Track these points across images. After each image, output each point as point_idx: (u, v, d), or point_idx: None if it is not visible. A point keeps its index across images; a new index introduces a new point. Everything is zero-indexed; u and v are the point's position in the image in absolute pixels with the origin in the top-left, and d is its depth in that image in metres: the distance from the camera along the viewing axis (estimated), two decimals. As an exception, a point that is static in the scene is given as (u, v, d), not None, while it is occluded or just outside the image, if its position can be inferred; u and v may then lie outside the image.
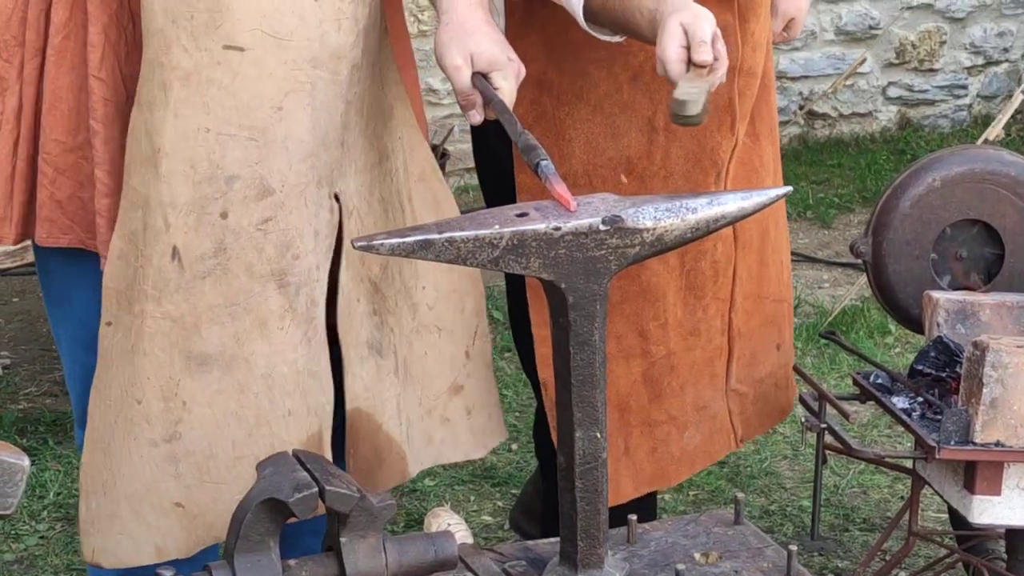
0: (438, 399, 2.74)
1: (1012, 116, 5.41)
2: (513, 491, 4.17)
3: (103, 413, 2.48)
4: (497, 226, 2.13)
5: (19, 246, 4.24)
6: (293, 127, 2.42)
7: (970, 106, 7.72)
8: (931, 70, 7.62)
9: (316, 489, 2.11)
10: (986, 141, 5.12)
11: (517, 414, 4.64)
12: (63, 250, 2.52)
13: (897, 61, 7.55)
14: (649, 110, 2.93)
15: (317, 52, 2.42)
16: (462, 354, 2.75)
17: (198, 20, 2.35)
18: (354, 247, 2.11)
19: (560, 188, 2.19)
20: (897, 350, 5.13)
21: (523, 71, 2.45)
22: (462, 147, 6.37)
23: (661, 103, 2.90)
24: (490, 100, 2.38)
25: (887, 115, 7.61)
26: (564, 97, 2.91)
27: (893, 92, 7.59)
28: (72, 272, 2.53)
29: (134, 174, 2.41)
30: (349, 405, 2.59)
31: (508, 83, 2.41)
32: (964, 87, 7.68)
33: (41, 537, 3.89)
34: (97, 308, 2.53)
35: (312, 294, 2.49)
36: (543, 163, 2.23)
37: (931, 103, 7.66)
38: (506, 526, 3.98)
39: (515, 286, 3.18)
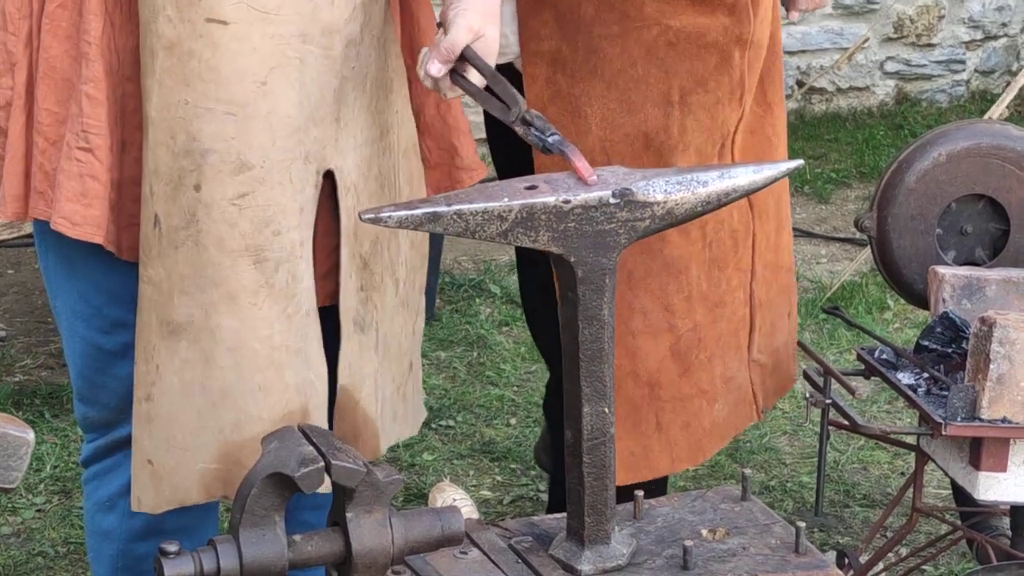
0: (404, 376, 2.73)
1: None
2: (512, 465, 4.16)
3: None
4: (506, 199, 2.11)
5: (15, 217, 4.22)
6: (278, 102, 2.38)
7: (968, 81, 7.70)
8: (929, 45, 7.59)
9: (322, 464, 2.10)
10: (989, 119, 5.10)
11: (515, 388, 4.62)
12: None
13: (895, 35, 7.52)
14: (664, 84, 2.90)
15: (307, 27, 2.38)
16: (412, 331, 2.75)
17: None
18: (361, 219, 2.09)
19: (580, 163, 2.17)
20: (896, 326, 5.12)
21: None
22: (472, 120, 6.34)
23: (676, 76, 2.89)
24: (485, 71, 2.35)
25: (884, 90, 7.59)
26: (578, 74, 2.89)
27: (891, 67, 7.57)
28: (72, 244, 2.48)
29: (142, 138, 2.41)
30: (339, 382, 2.58)
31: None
32: (962, 62, 7.65)
33: (38, 510, 3.88)
34: (96, 281, 2.51)
35: (294, 270, 2.46)
36: (553, 138, 2.22)
37: (929, 78, 7.63)
38: (506, 500, 3.97)
39: (527, 263, 3.17)
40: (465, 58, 2.35)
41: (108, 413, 2.60)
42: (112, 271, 2.50)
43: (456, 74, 2.36)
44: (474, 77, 2.36)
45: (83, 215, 2.41)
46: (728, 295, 3.05)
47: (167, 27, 2.34)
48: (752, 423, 3.22)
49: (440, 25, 2.43)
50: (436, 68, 2.35)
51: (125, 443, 2.59)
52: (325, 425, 2.55)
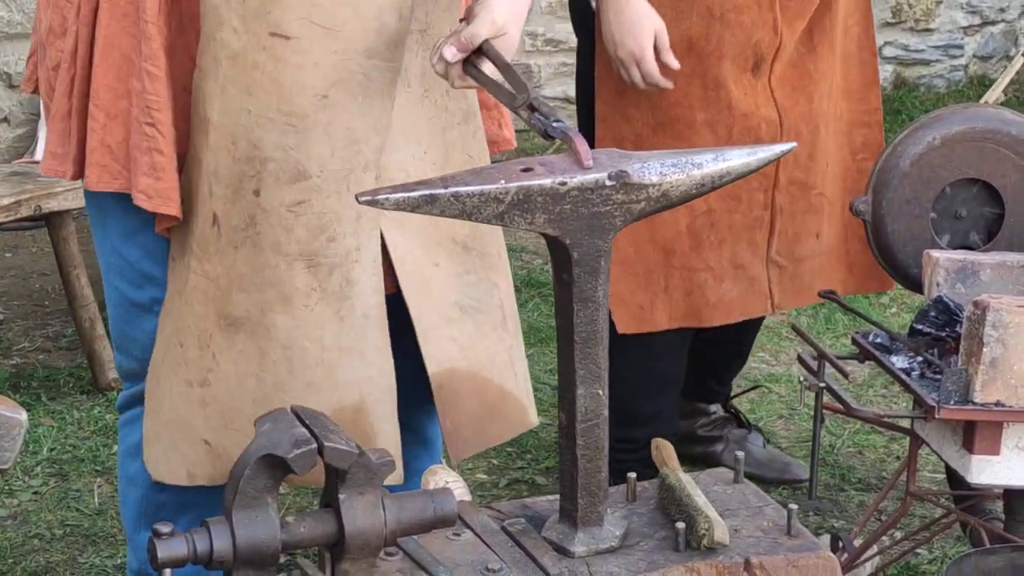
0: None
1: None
2: (508, 449, 4.16)
3: (160, 344, 2.61)
4: (503, 181, 2.11)
5: (11, 200, 4.22)
6: (338, 115, 2.45)
7: (966, 66, 7.69)
8: (927, 30, 7.59)
9: (315, 445, 2.10)
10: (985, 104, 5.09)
11: (512, 372, 4.62)
12: (114, 193, 2.56)
13: (893, 20, 7.52)
14: (707, 1, 3.33)
15: (372, 43, 2.44)
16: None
17: (249, 4, 2.40)
18: (359, 201, 2.10)
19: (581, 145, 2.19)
20: (893, 310, 5.12)
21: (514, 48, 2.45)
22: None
23: None
24: (499, 63, 2.36)
25: (882, 75, 7.58)
26: None
27: (889, 52, 7.56)
28: (106, 199, 2.58)
29: (195, 135, 2.49)
30: (438, 367, 2.63)
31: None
32: (960, 47, 7.65)
33: (35, 493, 3.88)
34: (129, 235, 2.59)
35: (348, 275, 2.52)
36: (557, 124, 2.23)
37: (927, 63, 7.63)
38: (501, 483, 3.97)
39: None
40: (481, 51, 2.37)
41: (138, 364, 2.69)
42: (144, 227, 2.57)
43: (469, 64, 2.39)
44: (487, 68, 2.38)
45: (155, 188, 2.49)
46: (746, 193, 3.47)
47: (232, 37, 2.41)
48: (764, 313, 3.65)
49: (464, 20, 2.45)
50: (451, 53, 2.38)
51: None
52: (391, 417, 2.61)
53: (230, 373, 2.54)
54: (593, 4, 3.39)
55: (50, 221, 4.42)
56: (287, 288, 2.49)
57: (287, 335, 2.52)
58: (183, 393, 2.57)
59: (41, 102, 2.69)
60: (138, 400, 2.71)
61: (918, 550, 3.56)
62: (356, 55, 2.44)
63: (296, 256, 2.48)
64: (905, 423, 3.28)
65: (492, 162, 2.71)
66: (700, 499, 2.33)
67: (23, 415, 2.04)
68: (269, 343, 2.52)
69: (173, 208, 2.50)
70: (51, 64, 2.57)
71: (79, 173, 2.56)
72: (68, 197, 4.30)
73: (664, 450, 2.50)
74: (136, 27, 2.46)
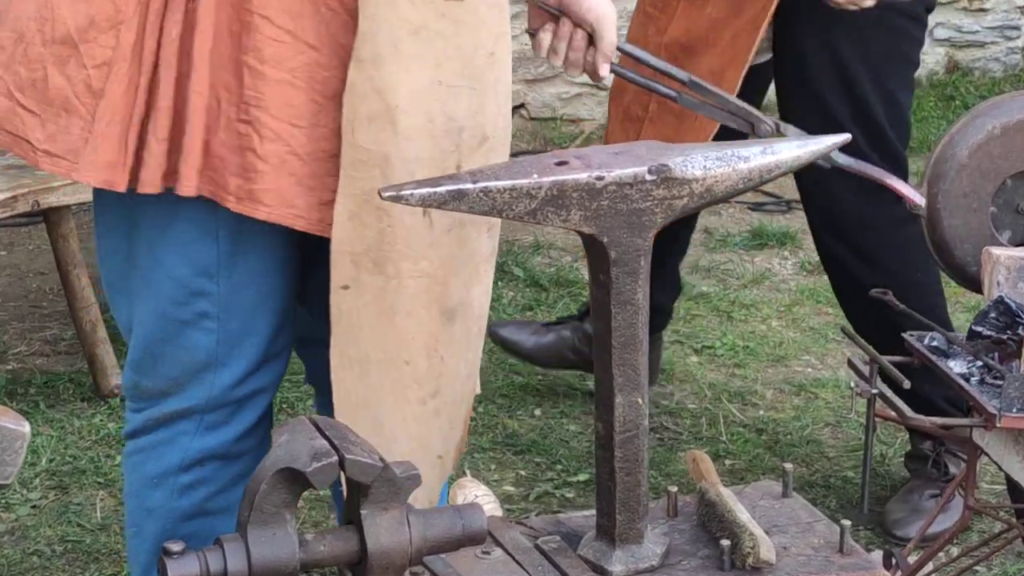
0: None
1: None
2: (536, 459, 4.16)
3: (360, 376, 2.57)
4: (536, 175, 2.12)
5: (8, 195, 4.22)
6: (501, 71, 2.54)
7: (1023, 49, 7.67)
8: (981, 10, 7.56)
9: (336, 458, 2.09)
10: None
11: (540, 376, 4.62)
12: (158, 201, 2.52)
13: (945, 0, 7.50)
14: None
15: None
16: None
17: None
18: (382, 197, 2.10)
19: None
20: (948, 310, 5.10)
21: None
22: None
23: None
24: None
25: (934, 58, 7.56)
26: None
27: (941, 33, 7.54)
28: (168, 212, 2.53)
29: (360, 131, 2.46)
30: None
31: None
32: (1017, 28, 7.62)
33: (33, 507, 3.89)
34: (184, 250, 2.55)
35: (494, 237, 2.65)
36: None
37: (981, 45, 7.60)
38: (530, 496, 3.97)
39: None
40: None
41: (165, 383, 2.63)
42: (202, 238, 2.55)
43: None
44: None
45: (246, 190, 2.47)
46: None
47: (410, 11, 2.44)
48: None
49: (559, 12, 2.71)
50: (606, 71, 2.67)
51: (179, 416, 2.64)
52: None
53: (457, 368, 2.60)
54: None
55: (48, 217, 4.42)
56: (479, 257, 2.59)
57: (480, 306, 2.62)
58: (418, 414, 2.59)
59: (36, 102, 2.58)
60: (156, 425, 2.66)
61: (977, 567, 3.55)
62: (505, 11, 2.54)
63: (482, 223, 2.56)
64: (963, 432, 3.27)
65: None
66: (743, 515, 2.32)
67: (26, 427, 2.04)
68: (473, 321, 2.60)
69: (262, 212, 2.47)
70: (93, 63, 2.49)
71: (133, 181, 2.50)
72: (67, 192, 4.30)
73: (702, 464, 2.49)
74: (239, 19, 2.45)
